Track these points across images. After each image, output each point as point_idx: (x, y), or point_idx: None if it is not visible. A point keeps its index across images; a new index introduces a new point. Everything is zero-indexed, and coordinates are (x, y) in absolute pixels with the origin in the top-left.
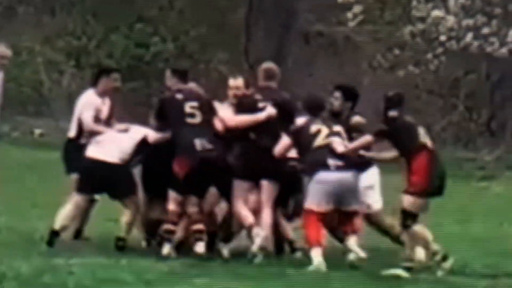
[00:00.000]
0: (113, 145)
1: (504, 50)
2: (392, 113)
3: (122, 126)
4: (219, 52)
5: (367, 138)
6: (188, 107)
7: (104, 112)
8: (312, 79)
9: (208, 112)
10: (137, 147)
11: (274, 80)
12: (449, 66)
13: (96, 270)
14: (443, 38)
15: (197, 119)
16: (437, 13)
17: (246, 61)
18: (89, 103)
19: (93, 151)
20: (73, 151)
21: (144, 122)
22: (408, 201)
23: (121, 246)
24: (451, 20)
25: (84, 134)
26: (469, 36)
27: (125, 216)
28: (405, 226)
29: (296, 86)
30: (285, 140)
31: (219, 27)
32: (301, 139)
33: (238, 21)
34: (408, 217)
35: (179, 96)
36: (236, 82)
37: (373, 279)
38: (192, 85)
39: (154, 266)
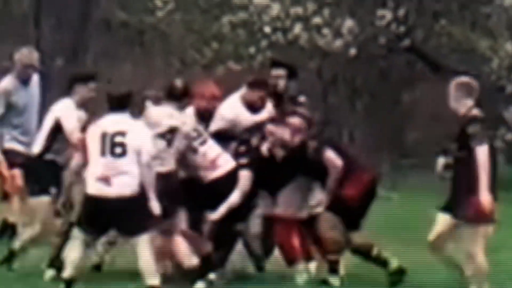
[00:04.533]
0: None
1: (338, 43)
2: None
3: None
4: (4, 45)
5: None
6: None
7: None
8: (118, 74)
9: None
10: None
11: None
12: None
13: None
14: (267, 29)
15: None
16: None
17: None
18: None
19: None
20: None
21: None
22: None
23: None
24: (276, 8)
25: None
26: (297, 27)
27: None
28: None
29: (100, 81)
30: None
31: (1, 17)
32: None
33: (25, 9)
34: None
35: None
36: None
37: None
38: None
39: None
